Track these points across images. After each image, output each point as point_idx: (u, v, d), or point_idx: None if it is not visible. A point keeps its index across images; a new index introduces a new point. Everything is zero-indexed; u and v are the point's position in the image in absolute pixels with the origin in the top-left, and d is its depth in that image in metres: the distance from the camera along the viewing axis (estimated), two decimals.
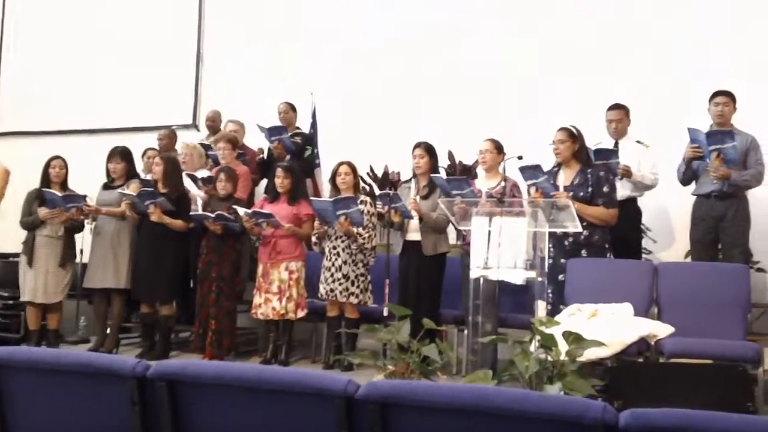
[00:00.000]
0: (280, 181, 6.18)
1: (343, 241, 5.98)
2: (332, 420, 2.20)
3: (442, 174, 6.34)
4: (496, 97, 7.36)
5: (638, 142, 6.05)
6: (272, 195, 6.30)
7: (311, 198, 6.32)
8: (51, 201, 6.39)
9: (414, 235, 5.93)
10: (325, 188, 7.37)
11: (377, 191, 6.91)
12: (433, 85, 7.72)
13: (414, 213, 5.80)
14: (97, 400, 2.57)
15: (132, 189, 6.45)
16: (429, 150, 6.06)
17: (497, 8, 7.64)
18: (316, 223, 6.10)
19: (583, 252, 5.34)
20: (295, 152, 7.31)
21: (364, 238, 5.95)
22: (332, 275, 5.96)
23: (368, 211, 6.02)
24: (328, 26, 8.34)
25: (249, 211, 6.06)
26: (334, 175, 6.15)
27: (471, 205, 5.13)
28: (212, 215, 6.07)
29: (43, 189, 6.45)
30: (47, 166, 6.61)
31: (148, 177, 6.70)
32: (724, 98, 5.69)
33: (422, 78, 7.79)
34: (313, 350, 6.51)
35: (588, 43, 7.12)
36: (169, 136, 7.91)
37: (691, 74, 6.59)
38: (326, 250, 6.06)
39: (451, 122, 7.36)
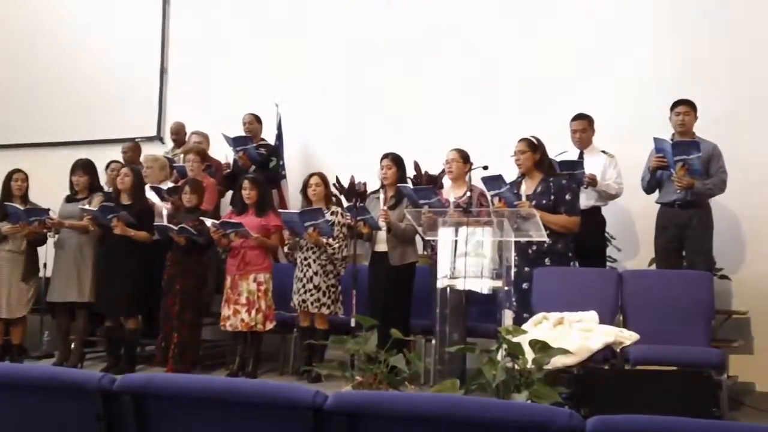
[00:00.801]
0: (247, 192, 6.15)
1: (314, 252, 5.97)
2: (301, 431, 2.19)
3: (409, 184, 6.36)
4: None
5: (603, 152, 6.11)
6: (239, 207, 6.27)
7: (280, 211, 6.30)
8: (14, 215, 6.29)
9: (382, 245, 5.95)
10: (292, 199, 7.37)
11: (345, 202, 6.92)
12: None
13: (382, 224, 5.81)
14: (62, 415, 2.53)
15: (95, 203, 6.39)
16: (396, 161, 6.08)
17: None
18: (287, 234, 6.10)
19: (547, 260, 5.38)
20: (259, 163, 7.28)
21: (334, 249, 5.94)
22: (303, 286, 5.95)
23: (339, 222, 6.02)
24: (296, 35, 8.32)
25: (216, 222, 6.03)
26: (306, 186, 6.16)
27: (438, 215, 5.15)
28: (176, 228, 6.03)
29: (5, 203, 6.36)
30: (8, 179, 6.52)
31: (111, 190, 6.64)
32: (685, 107, 5.75)
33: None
34: (281, 362, 6.47)
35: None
36: (133, 148, 7.86)
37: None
38: (298, 260, 6.05)
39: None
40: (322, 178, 6.16)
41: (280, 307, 6.18)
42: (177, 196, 6.46)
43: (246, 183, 6.20)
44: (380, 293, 5.84)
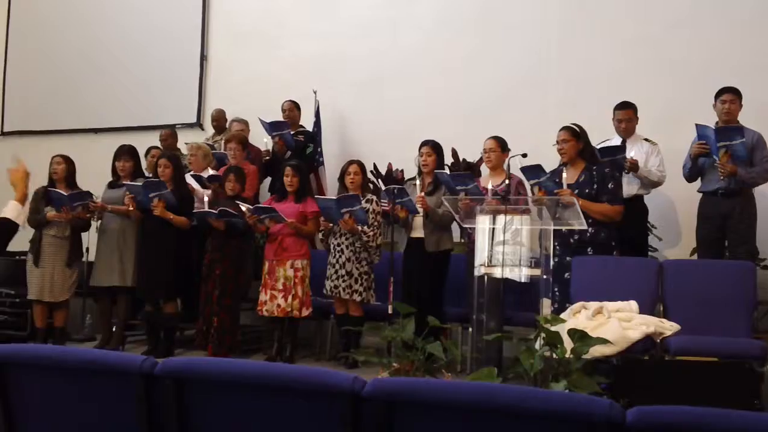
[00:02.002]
0: (289, 179, 6.18)
1: (347, 239, 5.98)
2: (338, 416, 2.19)
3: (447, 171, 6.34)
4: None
5: (646, 140, 6.03)
6: (280, 194, 6.30)
7: (316, 197, 6.30)
8: (57, 200, 6.39)
9: (418, 232, 5.94)
10: (329, 185, 7.40)
11: (382, 187, 6.92)
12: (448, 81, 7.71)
13: (419, 208, 5.80)
14: (103, 397, 2.57)
15: None
16: (436, 148, 6.06)
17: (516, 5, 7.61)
18: (322, 220, 6.12)
19: (589, 250, 5.32)
20: (295, 149, 7.31)
21: (368, 236, 5.95)
22: (336, 272, 5.97)
23: (374, 210, 6.03)
24: (335, 22, 8.32)
25: (251, 207, 6.08)
26: (343, 173, 6.17)
27: (476, 203, 5.12)
28: (215, 212, 6.08)
29: (49, 188, 6.46)
30: (50, 165, 6.63)
31: (151, 175, 6.72)
32: (731, 95, 5.65)
33: (435, 75, 7.78)
34: (318, 348, 6.51)
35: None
36: (172, 135, 7.97)
37: (700, 72, 6.55)
38: (331, 247, 6.08)
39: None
40: (361, 166, 6.18)
41: (317, 294, 6.21)
42: (218, 183, 6.51)
43: (288, 170, 6.22)
44: (415, 279, 5.84)
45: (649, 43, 6.91)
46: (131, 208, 6.38)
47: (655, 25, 6.95)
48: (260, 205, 6.13)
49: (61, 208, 6.38)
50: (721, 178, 5.52)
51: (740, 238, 5.62)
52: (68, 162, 6.67)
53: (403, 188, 5.96)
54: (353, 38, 8.17)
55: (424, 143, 6.08)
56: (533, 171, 5.39)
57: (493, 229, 4.87)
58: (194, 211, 6.32)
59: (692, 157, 5.70)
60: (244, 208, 6.04)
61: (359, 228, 5.91)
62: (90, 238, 6.83)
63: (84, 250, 6.78)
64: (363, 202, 5.96)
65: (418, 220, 5.93)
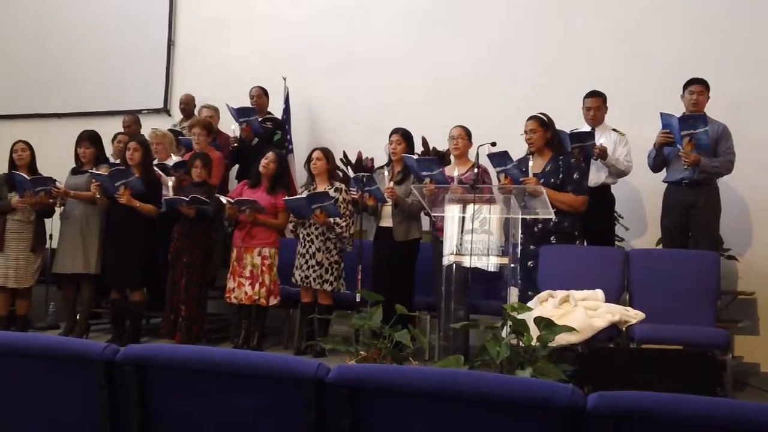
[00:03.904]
0: (266, 162, 6.14)
1: (317, 229, 5.94)
2: (302, 403, 2.19)
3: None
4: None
5: (614, 130, 6.06)
6: (253, 180, 6.25)
7: (285, 199, 6.18)
8: (21, 183, 6.30)
9: (387, 221, 5.93)
10: (298, 173, 7.36)
11: (351, 174, 6.90)
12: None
13: (388, 198, 5.78)
14: (65, 384, 2.54)
15: None
16: (406, 136, 6.05)
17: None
18: None
19: (552, 238, 5.36)
20: (262, 135, 7.26)
21: (341, 227, 5.92)
22: (306, 262, 5.93)
23: (344, 199, 6.00)
24: (305, 9, 8.26)
25: (231, 200, 6.02)
26: (309, 160, 6.15)
27: (442, 190, 5.13)
28: (186, 198, 6.02)
29: (13, 172, 6.37)
30: (12, 151, 6.53)
31: (118, 162, 6.63)
32: (699, 86, 5.70)
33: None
34: (286, 337, 6.49)
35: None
36: (136, 122, 7.89)
37: (671, 63, 6.61)
38: (300, 236, 6.04)
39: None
40: (325, 152, 6.15)
41: (286, 282, 6.17)
42: (183, 170, 6.44)
43: (270, 154, 6.19)
44: (384, 269, 5.84)
45: (620, 35, 6.94)
46: (97, 195, 6.29)
47: (625, 16, 6.99)
48: (241, 199, 6.06)
49: (24, 192, 6.28)
50: (685, 167, 5.57)
51: (704, 228, 5.68)
52: (31, 149, 6.59)
53: (371, 176, 5.95)
54: (324, 26, 8.11)
55: (394, 131, 6.06)
56: (500, 158, 5.40)
57: (463, 217, 4.88)
58: (164, 198, 6.25)
59: (656, 146, 5.74)
60: (224, 201, 5.99)
61: (332, 221, 5.89)
62: (54, 225, 6.73)
63: (48, 236, 6.68)
64: (332, 191, 5.92)
65: (387, 209, 5.92)
